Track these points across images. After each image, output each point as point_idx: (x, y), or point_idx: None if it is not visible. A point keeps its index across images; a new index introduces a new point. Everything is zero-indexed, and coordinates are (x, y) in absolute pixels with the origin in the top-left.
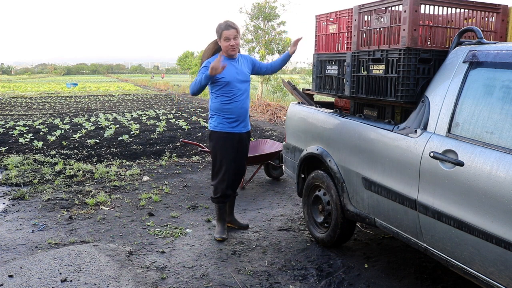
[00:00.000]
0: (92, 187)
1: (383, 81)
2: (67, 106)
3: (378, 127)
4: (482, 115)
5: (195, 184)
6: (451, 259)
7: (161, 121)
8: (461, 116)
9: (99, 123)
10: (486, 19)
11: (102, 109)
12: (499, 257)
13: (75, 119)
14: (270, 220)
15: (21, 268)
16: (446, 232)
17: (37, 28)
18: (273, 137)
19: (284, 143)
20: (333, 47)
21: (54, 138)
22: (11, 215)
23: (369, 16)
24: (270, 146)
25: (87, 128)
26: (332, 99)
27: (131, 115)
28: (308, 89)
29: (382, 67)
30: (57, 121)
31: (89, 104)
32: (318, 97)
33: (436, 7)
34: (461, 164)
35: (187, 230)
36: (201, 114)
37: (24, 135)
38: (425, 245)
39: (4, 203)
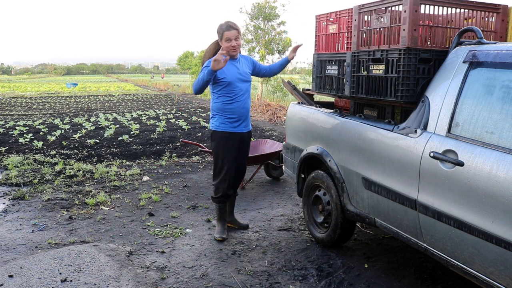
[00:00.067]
0: (92, 187)
1: (383, 81)
2: (67, 106)
3: (378, 127)
4: (482, 115)
5: (195, 184)
6: (451, 259)
7: (161, 121)
8: (461, 116)
9: (99, 123)
10: (486, 19)
11: (102, 109)
12: (499, 257)
13: (75, 119)
14: (270, 220)
15: (21, 268)
16: (446, 232)
17: (37, 28)
18: (273, 137)
19: (284, 143)
20: (333, 47)
21: (54, 138)
22: (11, 215)
23: (369, 16)
24: (270, 146)
25: (87, 128)
26: (332, 99)
27: (131, 115)
28: (308, 89)
29: (382, 67)
30: (57, 121)
31: (89, 104)
32: (318, 97)
33: (436, 7)
34: (461, 164)
35: (187, 230)
36: (201, 114)
37: (24, 135)
38: (425, 245)
39: (4, 203)
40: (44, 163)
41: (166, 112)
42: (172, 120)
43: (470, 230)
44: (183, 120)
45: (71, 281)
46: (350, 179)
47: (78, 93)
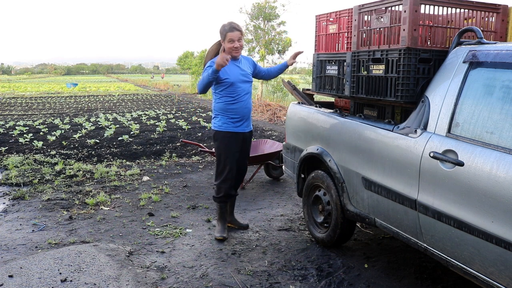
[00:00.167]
0: (92, 187)
1: (383, 81)
2: (67, 106)
3: (378, 127)
4: (482, 115)
5: (195, 184)
6: (451, 259)
7: (161, 121)
8: (461, 116)
9: (99, 123)
10: (486, 19)
11: (102, 109)
12: (499, 257)
13: (75, 119)
14: (270, 220)
15: (21, 268)
16: (446, 232)
17: (37, 28)
18: (273, 137)
19: (284, 143)
20: (333, 47)
21: (54, 138)
22: (11, 215)
23: (369, 16)
24: (270, 146)
25: (87, 128)
26: (332, 99)
27: (131, 115)
28: (308, 89)
29: (382, 67)
30: (57, 121)
31: (89, 104)
32: (318, 97)
33: (436, 7)
34: (461, 164)
35: (187, 230)
36: (201, 114)
37: (24, 135)
38: (425, 245)
39: (4, 203)
40: (44, 163)
41: (166, 112)
42: (172, 120)
43: (470, 230)
44: (183, 120)
45: (71, 281)
46: (350, 179)
47: (78, 93)
